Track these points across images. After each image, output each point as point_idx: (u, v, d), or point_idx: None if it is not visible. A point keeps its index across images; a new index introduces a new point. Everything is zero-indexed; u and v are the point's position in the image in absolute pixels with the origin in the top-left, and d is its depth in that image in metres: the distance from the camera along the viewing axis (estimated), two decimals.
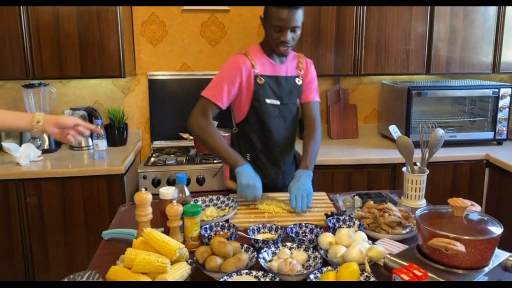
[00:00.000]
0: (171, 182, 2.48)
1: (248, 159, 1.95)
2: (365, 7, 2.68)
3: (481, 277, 1.11)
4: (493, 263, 1.17)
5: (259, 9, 2.94)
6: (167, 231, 1.38)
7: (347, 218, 1.51)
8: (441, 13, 2.73)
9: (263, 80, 1.86)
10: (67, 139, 1.55)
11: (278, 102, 1.90)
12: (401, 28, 2.73)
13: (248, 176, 1.72)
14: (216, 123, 2.00)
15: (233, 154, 1.81)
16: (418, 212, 1.27)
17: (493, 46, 2.81)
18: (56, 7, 2.45)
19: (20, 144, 2.57)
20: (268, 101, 1.88)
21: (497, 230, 1.16)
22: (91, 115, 2.75)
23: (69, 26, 2.49)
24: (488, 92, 2.74)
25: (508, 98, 2.74)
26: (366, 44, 2.73)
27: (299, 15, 1.75)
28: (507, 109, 2.76)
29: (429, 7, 2.72)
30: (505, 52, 2.82)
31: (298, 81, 1.96)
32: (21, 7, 2.42)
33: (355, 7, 2.67)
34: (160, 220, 1.44)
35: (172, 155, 2.76)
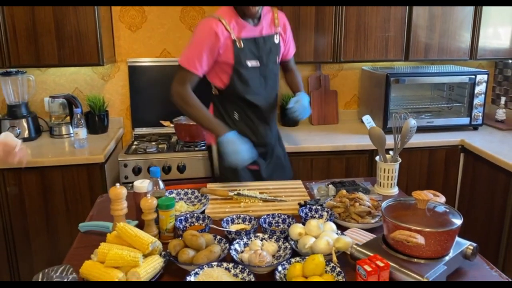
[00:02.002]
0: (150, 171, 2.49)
1: (237, 118, 1.99)
2: None
3: (441, 266, 1.16)
4: (454, 252, 1.23)
5: None
6: (142, 224, 1.42)
7: (318, 208, 1.56)
8: None
9: (242, 43, 1.88)
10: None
11: (258, 64, 1.94)
12: (381, 15, 2.74)
13: (233, 144, 1.77)
14: None
15: (216, 124, 1.85)
16: (384, 204, 1.31)
17: (471, 32, 2.84)
18: None
19: None
20: (249, 63, 1.91)
21: (457, 221, 1.21)
22: (71, 103, 2.73)
23: (45, 13, 2.44)
24: (465, 78, 2.78)
25: (484, 85, 2.79)
26: (345, 30, 2.73)
27: None
28: (483, 95, 2.81)
29: None
30: (482, 38, 2.85)
31: (276, 39, 1.99)
32: None
33: None
34: (136, 212, 1.47)
35: (153, 143, 2.77)
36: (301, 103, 2.02)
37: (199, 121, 1.88)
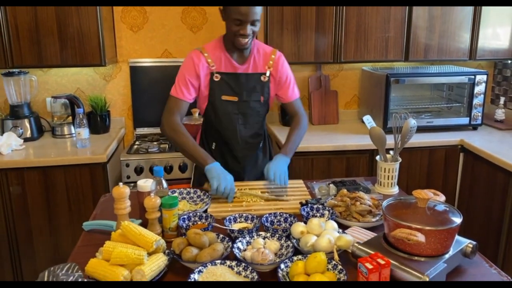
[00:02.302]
0: (153, 170, 2.51)
1: (213, 148, 2.01)
2: None
3: (441, 264, 1.18)
4: (454, 250, 1.24)
5: None
6: (145, 223, 1.43)
7: (320, 207, 1.57)
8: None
9: (219, 77, 1.89)
10: None
11: (236, 99, 1.91)
12: (381, 15, 2.76)
13: (217, 173, 1.72)
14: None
15: (201, 153, 1.81)
16: (385, 203, 1.33)
17: (470, 33, 2.86)
18: None
19: (2, 133, 2.57)
20: (224, 97, 1.90)
21: (456, 220, 1.22)
22: (73, 103, 2.75)
23: (47, 14, 2.46)
24: (464, 78, 2.80)
25: (484, 85, 2.81)
26: (346, 31, 2.76)
27: (259, 8, 1.76)
28: (482, 95, 2.83)
29: None
30: (481, 39, 2.87)
31: (264, 78, 1.94)
32: None
33: None
34: (139, 211, 1.49)
35: (155, 142, 2.79)
36: (278, 175, 1.80)
37: (186, 149, 1.84)
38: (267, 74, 1.95)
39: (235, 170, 1.94)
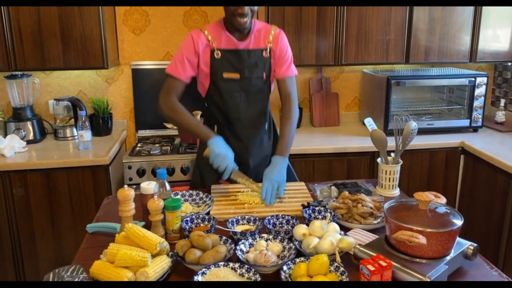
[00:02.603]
0: (155, 172, 2.52)
1: (216, 131, 1.98)
2: None
3: (442, 266, 1.19)
4: (455, 252, 1.25)
5: None
6: (149, 225, 1.44)
7: (322, 209, 1.59)
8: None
9: (220, 53, 1.86)
10: None
11: (237, 76, 1.89)
12: (381, 18, 2.77)
13: (220, 146, 1.74)
14: None
15: (204, 129, 1.82)
16: (386, 205, 1.34)
17: (470, 35, 2.87)
18: None
19: (5, 135, 2.59)
20: (226, 75, 1.88)
21: (457, 222, 1.24)
22: (75, 105, 2.77)
23: (50, 17, 2.48)
24: (465, 81, 2.82)
25: (484, 87, 2.83)
26: (346, 34, 2.77)
27: None
28: (482, 98, 2.84)
29: None
30: (481, 41, 2.89)
31: (265, 54, 1.91)
32: None
33: None
34: (143, 213, 1.50)
35: (156, 145, 2.80)
36: (270, 193, 1.72)
37: (187, 126, 1.85)
38: (268, 49, 1.92)
39: (239, 151, 1.91)
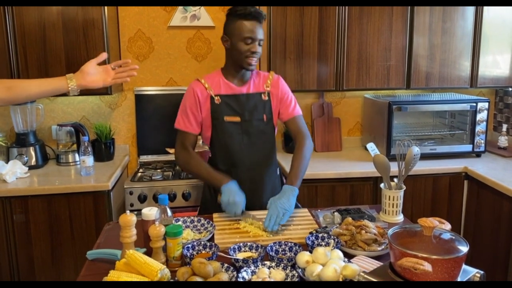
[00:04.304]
0: (157, 198, 2.51)
1: None
2: (346, 25, 2.75)
3: None
4: (461, 279, 1.23)
5: None
6: (150, 251, 1.42)
7: (325, 235, 1.56)
8: (420, 29, 2.82)
9: (220, 99, 1.94)
10: (118, 80, 1.63)
11: (238, 119, 1.95)
12: (382, 44, 2.81)
13: (230, 193, 1.78)
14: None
15: (216, 176, 1.88)
16: (390, 231, 1.32)
17: (471, 61, 2.90)
18: (42, 25, 2.48)
19: (7, 161, 2.59)
20: (227, 118, 1.94)
21: (463, 248, 1.21)
22: (78, 131, 2.78)
23: (56, 43, 2.52)
24: (466, 106, 2.83)
25: (486, 112, 2.83)
26: (347, 59, 2.80)
27: (262, 30, 1.89)
28: (484, 123, 2.84)
29: (408, 23, 2.81)
30: (481, 67, 2.91)
31: (264, 97, 1.98)
32: (7, 25, 2.45)
33: (336, 25, 2.74)
34: (144, 239, 1.48)
35: (158, 170, 2.80)
36: (273, 221, 1.68)
37: (201, 175, 1.93)
38: (266, 93, 1.99)
39: (246, 194, 1.90)
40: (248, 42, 1.85)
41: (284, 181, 2.09)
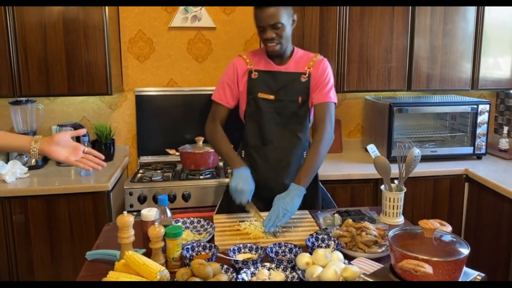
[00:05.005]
0: (157, 199, 2.50)
1: (243, 156, 2.03)
2: (347, 27, 2.75)
3: None
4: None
5: (245, 27, 3.03)
6: (149, 252, 1.42)
7: (325, 237, 1.56)
8: (421, 31, 2.81)
9: (257, 74, 1.95)
10: (80, 164, 1.56)
11: (272, 97, 1.94)
12: (383, 46, 2.80)
13: (239, 179, 1.78)
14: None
15: (233, 157, 1.90)
16: (390, 233, 1.31)
17: (472, 63, 2.90)
18: (43, 26, 2.48)
19: (7, 161, 2.59)
20: (261, 95, 1.94)
21: (464, 251, 1.21)
22: None
23: (56, 44, 2.52)
24: (467, 108, 2.82)
25: (487, 114, 2.83)
26: (348, 61, 2.80)
27: (274, 11, 1.79)
28: (485, 125, 2.84)
29: (409, 25, 2.80)
30: (483, 69, 2.91)
31: (303, 78, 1.93)
32: (8, 25, 2.44)
33: (337, 27, 2.74)
34: (143, 240, 1.48)
35: (158, 171, 2.79)
36: (272, 222, 1.65)
37: (219, 152, 1.99)
38: (307, 74, 1.95)
39: (265, 175, 1.95)
40: (260, 30, 1.86)
41: None
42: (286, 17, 1.84)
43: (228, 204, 1.98)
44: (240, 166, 1.84)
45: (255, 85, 1.95)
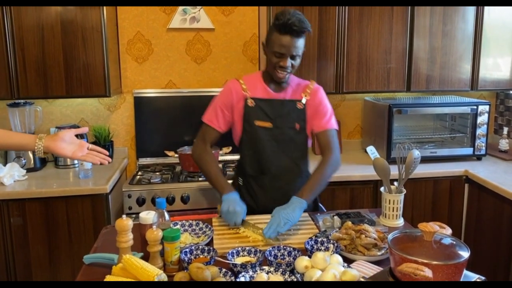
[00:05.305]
0: (155, 201, 2.49)
1: (241, 183, 1.99)
2: (346, 28, 2.74)
3: None
4: None
5: (244, 28, 3.02)
6: (147, 256, 1.41)
7: (324, 240, 1.55)
8: (421, 32, 2.81)
9: (254, 102, 1.90)
10: (88, 158, 1.56)
11: (270, 125, 1.90)
12: (382, 47, 2.79)
13: (230, 203, 1.73)
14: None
15: (221, 182, 1.85)
16: (390, 236, 1.30)
17: (471, 64, 2.89)
18: (41, 27, 2.47)
19: (5, 163, 2.57)
20: (258, 123, 1.90)
21: (464, 254, 1.20)
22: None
23: (54, 46, 2.51)
24: (467, 109, 2.81)
25: (486, 115, 2.82)
26: (347, 62, 2.79)
27: (300, 43, 1.79)
28: (485, 126, 2.83)
29: (408, 26, 2.79)
30: (482, 70, 2.90)
31: (299, 105, 1.92)
32: (6, 26, 2.43)
33: (336, 28, 2.73)
34: (141, 244, 1.47)
35: (157, 173, 2.78)
36: (272, 230, 1.61)
37: (208, 174, 1.90)
38: (303, 101, 1.93)
39: (264, 203, 1.91)
40: (277, 55, 1.79)
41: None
42: (303, 49, 1.84)
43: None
44: (229, 191, 1.80)
45: (251, 113, 1.90)
